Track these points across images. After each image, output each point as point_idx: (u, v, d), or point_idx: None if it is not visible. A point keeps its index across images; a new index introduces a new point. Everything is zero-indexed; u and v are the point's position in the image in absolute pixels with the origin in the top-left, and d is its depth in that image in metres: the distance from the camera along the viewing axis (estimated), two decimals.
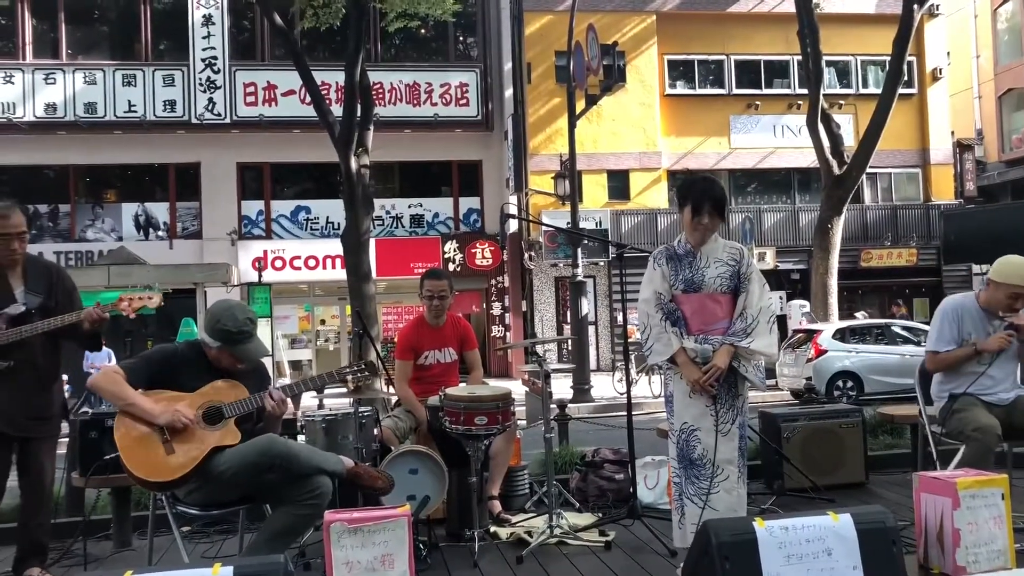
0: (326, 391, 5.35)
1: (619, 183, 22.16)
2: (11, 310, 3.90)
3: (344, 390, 5.04)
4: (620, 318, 19.20)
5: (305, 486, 3.49)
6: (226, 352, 3.71)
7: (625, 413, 4.99)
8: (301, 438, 5.18)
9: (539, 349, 5.39)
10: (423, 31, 21.29)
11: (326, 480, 3.55)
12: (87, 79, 20.49)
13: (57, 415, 4.15)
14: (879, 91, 17.60)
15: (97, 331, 4.07)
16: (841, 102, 22.46)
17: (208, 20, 21.05)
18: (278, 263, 21.31)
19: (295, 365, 21.89)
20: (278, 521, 3.52)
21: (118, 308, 4.03)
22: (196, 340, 3.88)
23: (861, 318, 18.28)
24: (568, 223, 16.06)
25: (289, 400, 3.84)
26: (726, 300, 3.94)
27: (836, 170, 16.33)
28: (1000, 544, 3.23)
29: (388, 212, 22.50)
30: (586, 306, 15.88)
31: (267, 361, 4.65)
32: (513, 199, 21.21)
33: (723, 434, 3.83)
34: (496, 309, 22.29)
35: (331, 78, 19.15)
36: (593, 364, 18.84)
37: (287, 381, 4.08)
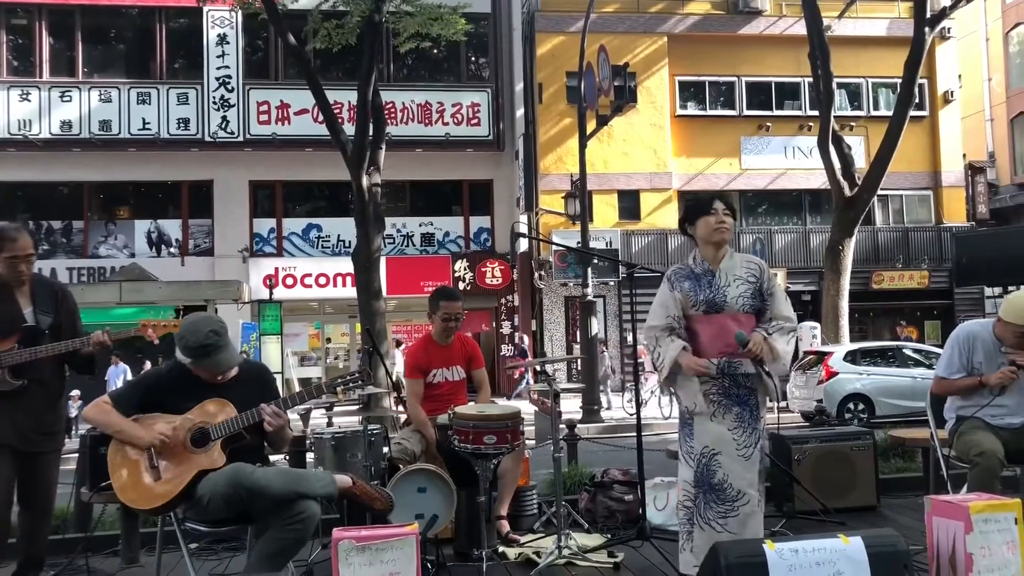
0: (335, 408, 5.35)
1: (629, 203, 22.18)
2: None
3: (354, 407, 5.05)
4: (630, 338, 19.16)
5: (289, 510, 3.45)
6: (202, 367, 3.70)
7: (635, 433, 4.98)
8: (310, 456, 5.18)
9: (548, 368, 5.39)
10: (435, 51, 21.43)
11: (311, 504, 3.50)
12: (102, 97, 20.69)
13: (62, 430, 4.26)
14: (890, 113, 17.58)
15: (93, 355, 4.15)
16: (852, 124, 22.47)
17: (223, 39, 21.26)
18: (289, 281, 21.38)
19: (304, 383, 21.92)
20: (266, 546, 3.49)
21: (143, 333, 4.17)
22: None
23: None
24: (578, 243, 16.08)
25: (284, 412, 3.78)
26: (748, 320, 3.85)
27: (847, 192, 16.29)
28: (1014, 570, 3.20)
29: (399, 231, 22.58)
30: (596, 326, 15.87)
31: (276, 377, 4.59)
32: (523, 218, 21.27)
33: (745, 458, 3.76)
34: (506, 328, 22.28)
35: (344, 97, 19.28)
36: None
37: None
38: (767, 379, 3.80)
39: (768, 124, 22.98)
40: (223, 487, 3.45)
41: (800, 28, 18.48)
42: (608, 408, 16.84)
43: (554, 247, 20.07)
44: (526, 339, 21.15)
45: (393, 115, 20.64)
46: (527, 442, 5.32)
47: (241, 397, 3.70)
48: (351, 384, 4.02)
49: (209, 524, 3.63)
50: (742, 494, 3.73)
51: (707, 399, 3.82)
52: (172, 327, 4.19)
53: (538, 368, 5.46)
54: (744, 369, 3.79)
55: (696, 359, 3.78)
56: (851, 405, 14.37)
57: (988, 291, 22.15)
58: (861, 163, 19.46)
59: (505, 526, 4.96)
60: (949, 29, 23.34)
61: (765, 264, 4.02)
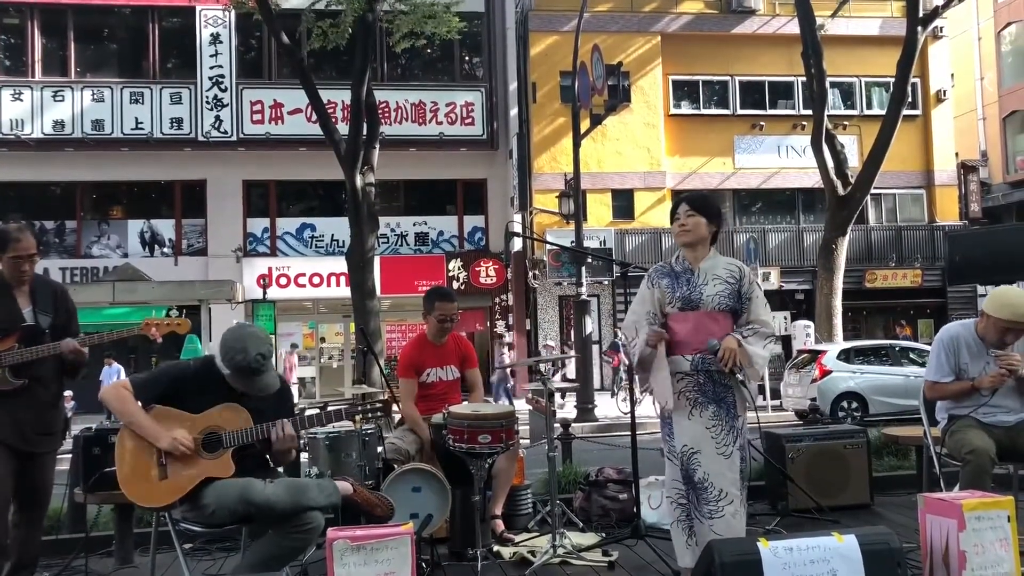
0: (329, 408, 5.33)
1: (623, 202, 22.19)
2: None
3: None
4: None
5: (294, 520, 3.45)
6: (239, 384, 3.67)
7: (629, 432, 4.98)
8: (305, 456, 5.16)
9: (542, 367, 5.39)
10: (429, 51, 21.41)
11: (316, 515, 3.50)
12: (95, 96, 20.62)
13: (60, 431, 4.25)
14: (883, 112, 17.62)
15: (76, 363, 4.11)
16: (845, 123, 22.50)
17: (216, 39, 21.21)
18: (283, 280, 21.35)
19: (299, 382, 21.88)
20: (264, 548, 3.49)
21: (146, 332, 4.16)
22: (211, 357, 3.81)
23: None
24: (572, 242, 16.07)
25: (295, 433, 3.75)
26: (724, 319, 3.87)
27: (840, 191, 16.33)
28: (1007, 567, 3.21)
29: (393, 230, 22.55)
30: (590, 325, 15.86)
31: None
32: (517, 218, 21.25)
33: (725, 456, 3.77)
34: (500, 327, 22.27)
35: (337, 97, 19.24)
36: (597, 383, 18.79)
37: (295, 401, 4.01)
38: (741, 387, 3.83)
39: (761, 123, 23.02)
40: (233, 503, 3.43)
41: (793, 27, 18.51)
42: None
43: (548, 246, 20.06)
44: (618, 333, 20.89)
45: (387, 114, 20.62)
46: (521, 441, 5.33)
47: (259, 407, 3.67)
48: (370, 415, 4.03)
49: (206, 525, 3.63)
50: (724, 493, 3.72)
51: (683, 397, 3.84)
52: (176, 326, 4.19)
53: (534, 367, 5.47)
54: (717, 366, 3.79)
55: (655, 328, 3.81)
56: (844, 403, 14.41)
57: (981, 289, 22.19)
58: (854, 162, 19.50)
59: (500, 525, 4.96)
60: (941, 28, 23.40)
61: (748, 269, 4.05)
